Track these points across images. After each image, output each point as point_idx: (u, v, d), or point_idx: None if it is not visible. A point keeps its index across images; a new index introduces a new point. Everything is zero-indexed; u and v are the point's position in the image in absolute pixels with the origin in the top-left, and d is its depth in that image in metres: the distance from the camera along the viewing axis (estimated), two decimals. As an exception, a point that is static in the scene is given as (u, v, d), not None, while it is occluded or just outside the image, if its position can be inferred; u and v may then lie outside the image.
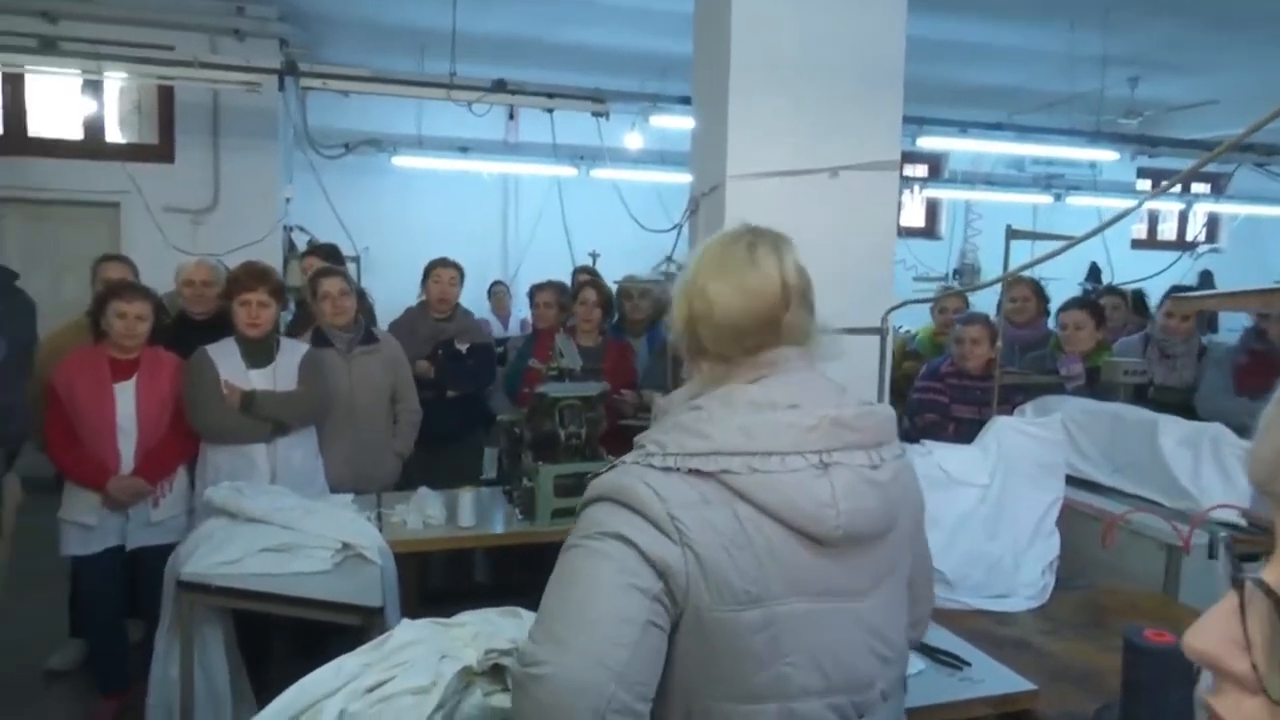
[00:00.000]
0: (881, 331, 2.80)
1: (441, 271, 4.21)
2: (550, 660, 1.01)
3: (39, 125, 6.51)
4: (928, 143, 7.54)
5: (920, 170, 10.00)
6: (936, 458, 2.50)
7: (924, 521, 1.33)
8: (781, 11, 2.93)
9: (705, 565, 1.06)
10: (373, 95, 6.32)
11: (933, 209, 10.57)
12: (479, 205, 8.61)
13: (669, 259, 3.78)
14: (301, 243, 6.88)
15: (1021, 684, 1.89)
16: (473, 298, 6.84)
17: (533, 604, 1.15)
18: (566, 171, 7.98)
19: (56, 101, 6.50)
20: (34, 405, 3.23)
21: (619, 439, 3.90)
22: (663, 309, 4.33)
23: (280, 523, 2.78)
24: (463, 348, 4.13)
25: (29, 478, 3.31)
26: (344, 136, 7.63)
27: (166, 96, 6.57)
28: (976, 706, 1.83)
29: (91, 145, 6.56)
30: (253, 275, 3.36)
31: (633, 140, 7.55)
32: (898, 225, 3.16)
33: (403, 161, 7.96)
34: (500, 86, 5.91)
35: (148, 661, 2.76)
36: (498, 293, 7.82)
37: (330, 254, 4.61)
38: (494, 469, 4.42)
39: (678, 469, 1.09)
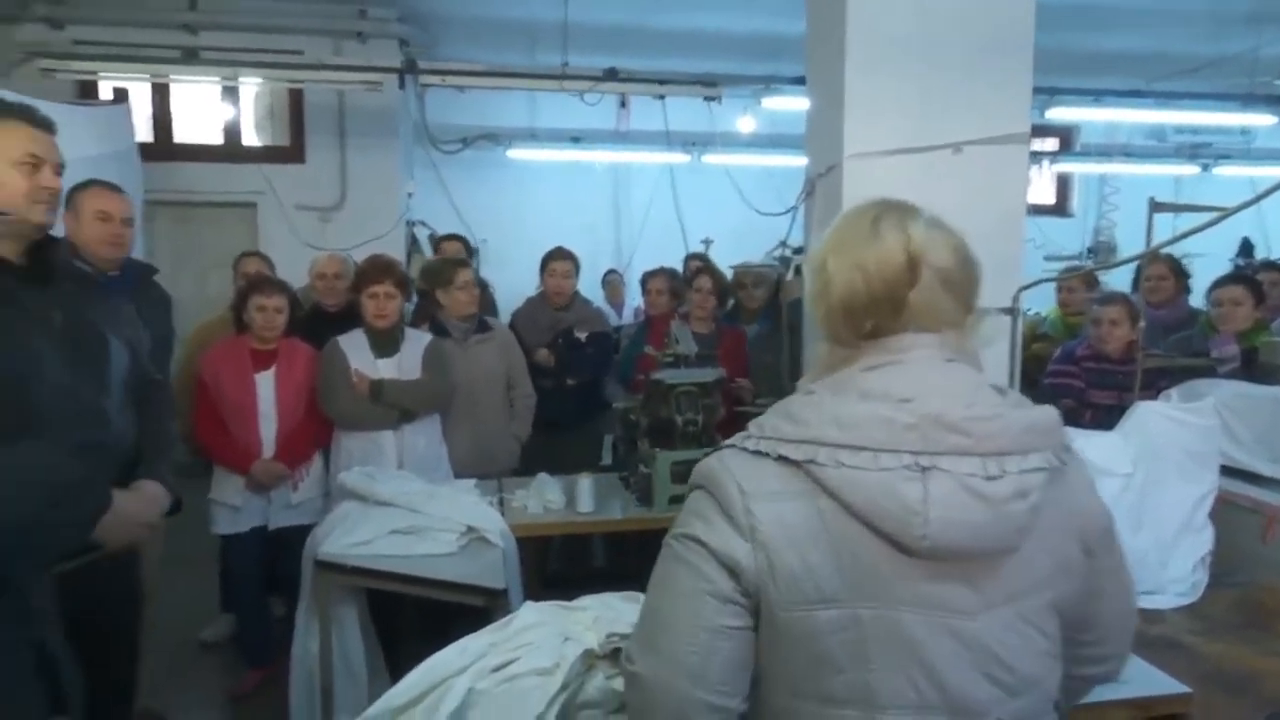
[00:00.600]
0: (1013, 312, 2.67)
1: (557, 264, 4.28)
2: (639, 660, 1.10)
3: (183, 132, 6.95)
4: (1058, 114, 7.15)
5: (1050, 144, 9.48)
6: (1075, 446, 2.36)
7: (1103, 548, 1.17)
8: (900, -19, 2.82)
9: (774, 562, 1.04)
10: (488, 90, 6.46)
11: (1064, 184, 10.02)
12: (592, 194, 8.69)
13: (783, 244, 3.71)
14: (423, 237, 7.11)
15: (1173, 686, 1.77)
16: (587, 286, 6.93)
17: (649, 589, 1.18)
18: (678, 158, 7.95)
19: (198, 109, 6.91)
20: (180, 395, 3.46)
21: (735, 426, 3.89)
22: (777, 295, 4.29)
23: (408, 506, 2.89)
24: (581, 336, 4.19)
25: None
26: (461, 132, 7.83)
27: (297, 100, 6.90)
28: (1121, 709, 1.73)
29: (230, 149, 6.95)
30: (379, 269, 3.50)
31: (745, 124, 7.46)
32: (1026, 202, 3.00)
33: (517, 154, 8.11)
34: (611, 75, 5.94)
35: (291, 636, 2.92)
36: (611, 281, 7.89)
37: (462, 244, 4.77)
38: (611, 456, 4.48)
39: (768, 454, 1.06)
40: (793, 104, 6.53)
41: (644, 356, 3.79)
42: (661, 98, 6.18)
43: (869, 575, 1.03)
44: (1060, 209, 9.97)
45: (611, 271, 8.03)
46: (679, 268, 5.13)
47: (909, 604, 1.03)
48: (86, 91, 6.41)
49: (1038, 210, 9.06)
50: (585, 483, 3.19)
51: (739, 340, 4.18)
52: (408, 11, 6.64)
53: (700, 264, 4.91)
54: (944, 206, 1.26)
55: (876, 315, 1.11)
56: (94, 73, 5.95)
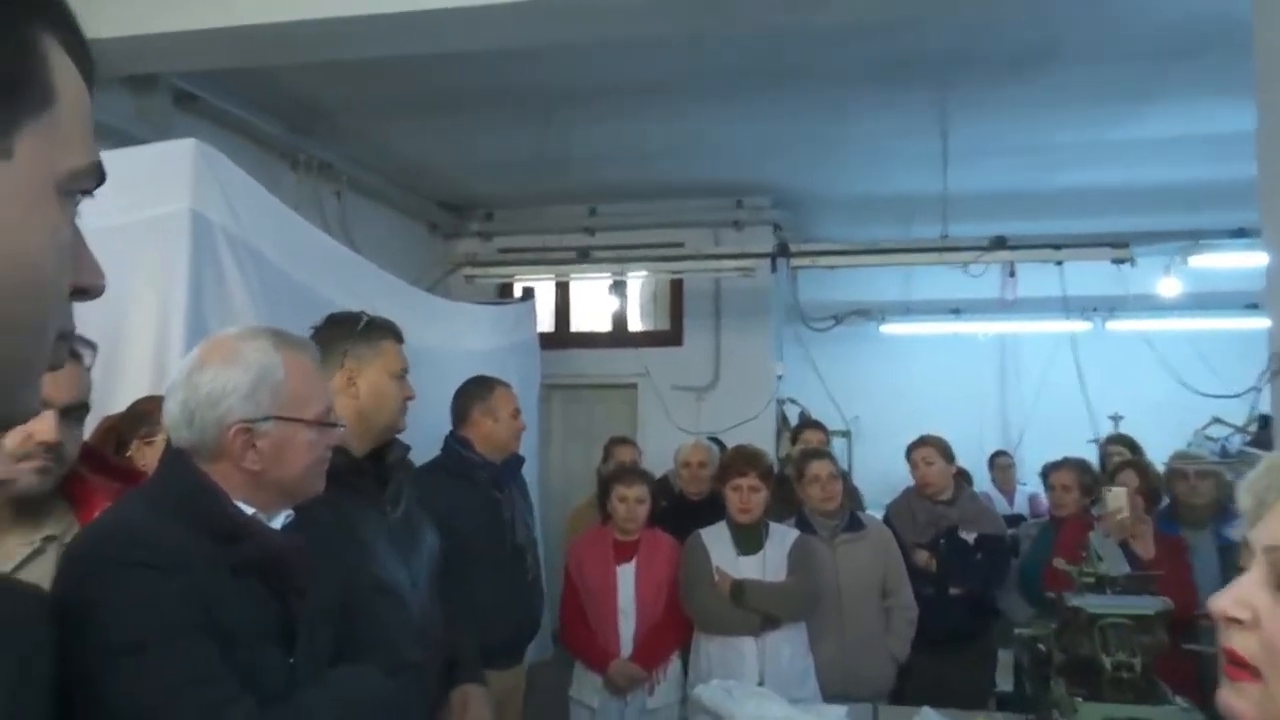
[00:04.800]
0: None
1: (917, 454, 3.82)
2: None
3: (579, 321, 7.64)
4: None
5: None
6: None
7: None
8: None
9: None
10: (860, 266, 6.32)
11: None
12: (974, 368, 8.03)
13: (1245, 429, 2.92)
14: (793, 415, 6.96)
15: None
16: (971, 469, 6.24)
17: None
18: (1078, 326, 7.08)
19: (592, 300, 7.58)
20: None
21: (1183, 669, 3.02)
22: (1227, 493, 3.41)
23: (767, 735, 2.53)
24: (969, 537, 3.62)
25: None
26: (832, 309, 7.74)
27: (677, 287, 7.29)
28: None
29: (617, 335, 7.47)
30: (744, 459, 3.33)
31: (1168, 286, 6.44)
32: None
33: (891, 329, 7.79)
34: (999, 243, 5.48)
35: None
36: (1001, 464, 7.03)
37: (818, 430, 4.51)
38: (1010, 680, 3.75)
39: None
40: (1227, 260, 5.52)
41: (1052, 569, 3.13)
42: (1059, 263, 5.55)
43: None
44: None
45: (1001, 454, 7.17)
46: (1081, 446, 4.38)
47: None
48: (504, 291, 7.34)
49: None
50: (980, 727, 2.60)
51: (1178, 551, 3.34)
52: (781, 197, 6.81)
53: (1122, 453, 4.11)
54: None
55: None
56: (510, 276, 6.80)
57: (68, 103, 0.48)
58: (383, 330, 1.96)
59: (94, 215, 1.90)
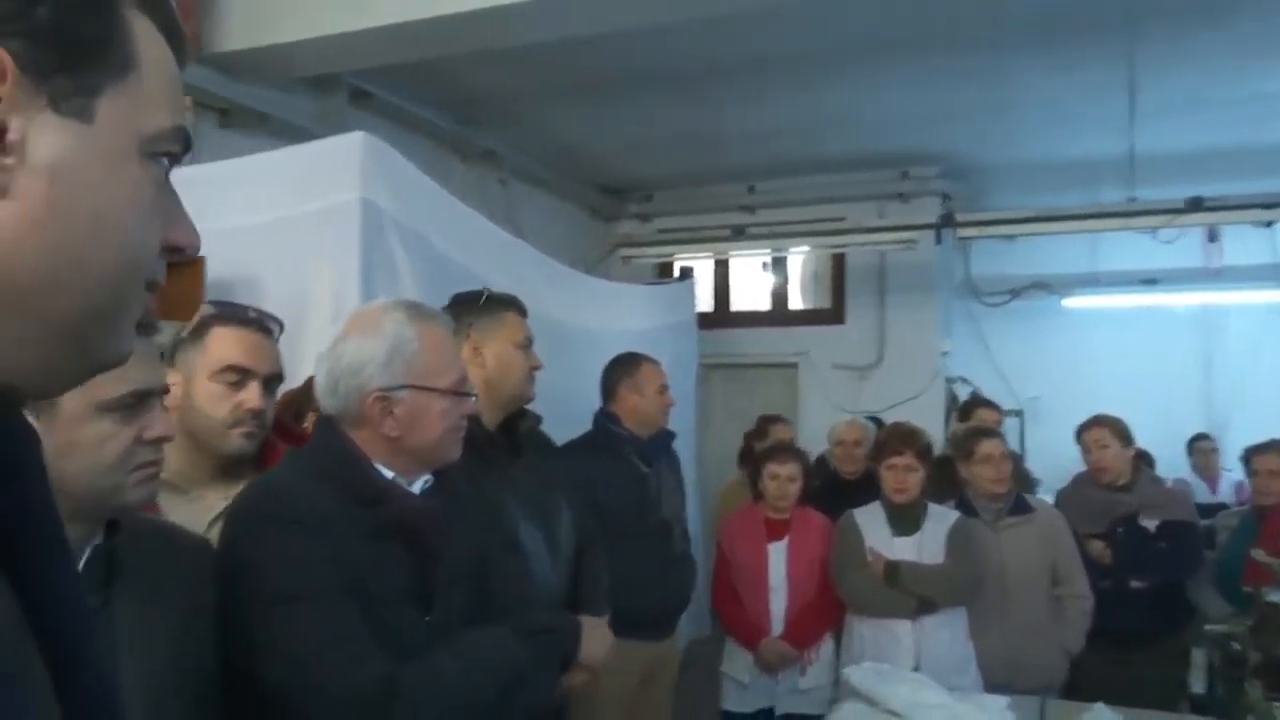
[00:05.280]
0: None
1: (1089, 436, 3.52)
2: None
3: (738, 300, 7.58)
4: None
5: None
6: None
7: None
8: None
9: None
10: (1039, 236, 5.91)
11: None
12: (1169, 344, 7.34)
13: None
14: (964, 395, 6.63)
15: None
16: (1168, 454, 5.74)
17: None
18: (1294, 295, 6.36)
19: (752, 279, 7.51)
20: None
21: None
22: None
23: (921, 721, 2.45)
24: (1150, 525, 3.33)
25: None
26: (1008, 283, 7.30)
27: (839, 263, 7.09)
28: None
29: (777, 314, 7.37)
30: (900, 438, 3.21)
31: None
32: None
33: (1074, 303, 7.25)
34: (1196, 205, 4.98)
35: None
36: (1202, 449, 6.42)
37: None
38: (1203, 681, 3.43)
39: None
40: None
41: (1252, 562, 2.84)
42: (1269, 224, 4.99)
43: None
44: None
45: (1202, 437, 6.54)
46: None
47: None
48: (663, 271, 7.38)
49: None
50: (1160, 728, 2.41)
51: None
52: (950, 166, 6.47)
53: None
54: None
55: None
56: (669, 255, 6.84)
57: (150, 66, 0.50)
58: (504, 303, 2.03)
59: (272, 207, 2.08)
